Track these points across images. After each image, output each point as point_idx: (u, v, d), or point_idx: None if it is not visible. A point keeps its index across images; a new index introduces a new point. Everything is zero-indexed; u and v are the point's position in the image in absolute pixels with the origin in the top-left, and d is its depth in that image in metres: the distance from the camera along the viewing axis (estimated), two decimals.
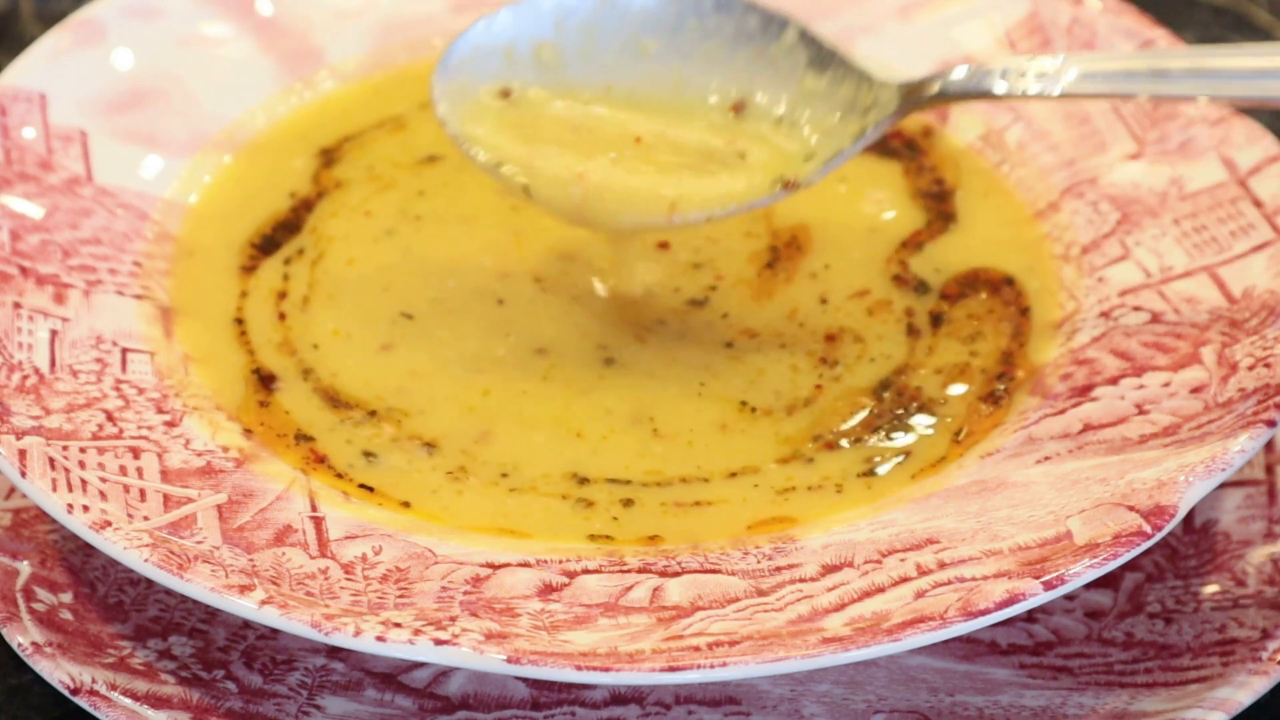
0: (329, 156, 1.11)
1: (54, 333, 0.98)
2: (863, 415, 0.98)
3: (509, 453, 0.96)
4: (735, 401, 0.99)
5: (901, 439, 0.97)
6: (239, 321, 1.02)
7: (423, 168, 1.10)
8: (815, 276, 1.05)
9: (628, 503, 0.94)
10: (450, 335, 1.01)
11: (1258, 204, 1.03)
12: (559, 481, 0.95)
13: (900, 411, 0.98)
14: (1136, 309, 1.00)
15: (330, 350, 1.01)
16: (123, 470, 0.92)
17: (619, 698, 0.94)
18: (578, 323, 1.02)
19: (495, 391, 0.99)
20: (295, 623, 0.85)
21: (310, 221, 1.07)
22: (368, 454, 0.96)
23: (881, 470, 0.96)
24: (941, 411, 0.98)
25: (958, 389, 0.99)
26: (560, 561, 0.90)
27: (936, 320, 1.03)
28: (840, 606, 0.87)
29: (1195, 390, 0.95)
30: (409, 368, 1.00)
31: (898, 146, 1.12)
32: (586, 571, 0.89)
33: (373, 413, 0.98)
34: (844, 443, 0.97)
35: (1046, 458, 0.94)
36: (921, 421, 0.98)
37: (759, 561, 0.90)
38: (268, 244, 1.06)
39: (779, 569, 0.89)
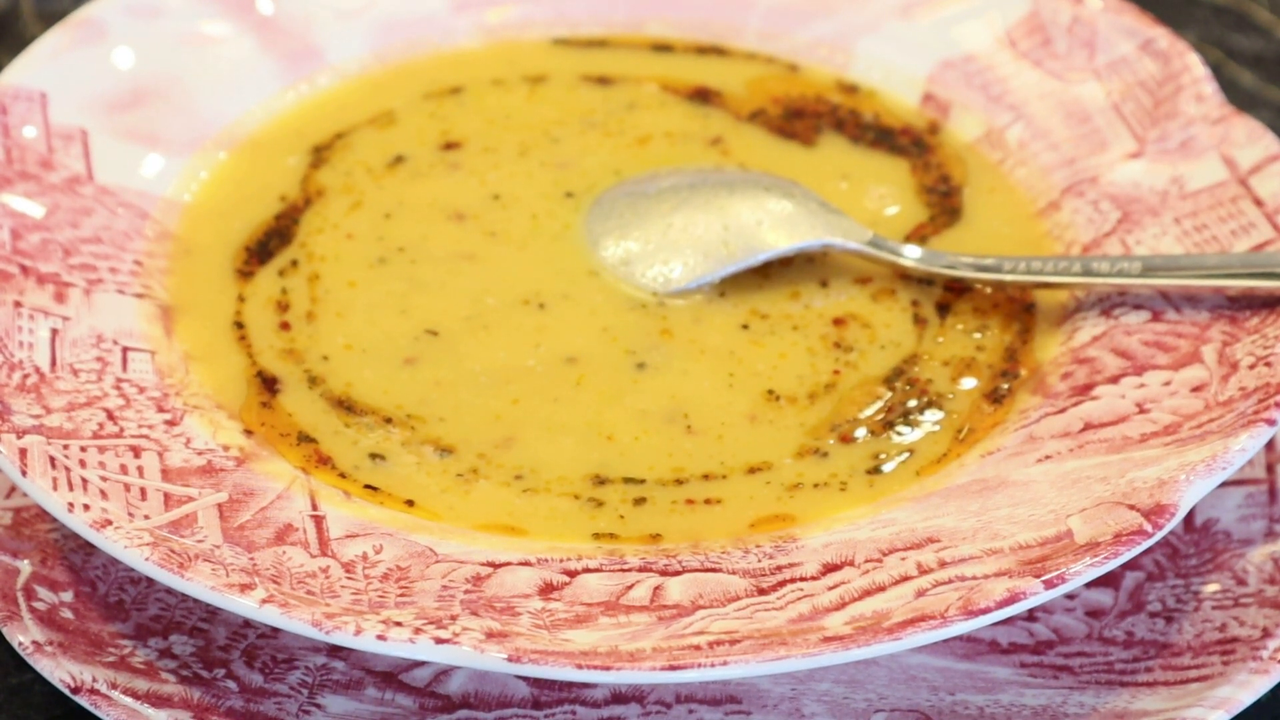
0: (319, 156, 1.11)
1: (55, 331, 0.98)
2: (878, 405, 0.98)
3: (531, 456, 0.96)
4: (763, 390, 0.99)
5: (909, 435, 0.97)
6: (239, 325, 1.02)
7: (386, 176, 1.09)
8: (812, 260, 1.05)
9: (639, 501, 0.94)
10: (480, 349, 1.01)
11: (1258, 203, 1.03)
12: (576, 482, 0.95)
13: (912, 404, 0.99)
14: (1137, 307, 1.00)
15: (343, 362, 1.00)
16: (123, 469, 0.92)
17: (620, 696, 0.94)
18: (607, 326, 1.02)
19: (524, 400, 0.98)
20: (296, 621, 0.85)
21: (299, 234, 1.07)
22: (375, 456, 0.96)
23: (887, 468, 0.96)
24: (949, 406, 0.98)
25: (967, 383, 0.99)
26: (561, 560, 0.90)
27: (943, 310, 1.03)
28: (841, 605, 0.87)
29: (1196, 389, 0.95)
30: (434, 379, 0.99)
31: (905, 144, 1.12)
32: (587, 570, 0.89)
33: (388, 419, 0.97)
34: (859, 433, 0.97)
35: (1047, 456, 0.94)
36: (930, 417, 0.98)
37: (760, 560, 0.90)
38: (261, 250, 1.06)
39: (780, 568, 0.89)
